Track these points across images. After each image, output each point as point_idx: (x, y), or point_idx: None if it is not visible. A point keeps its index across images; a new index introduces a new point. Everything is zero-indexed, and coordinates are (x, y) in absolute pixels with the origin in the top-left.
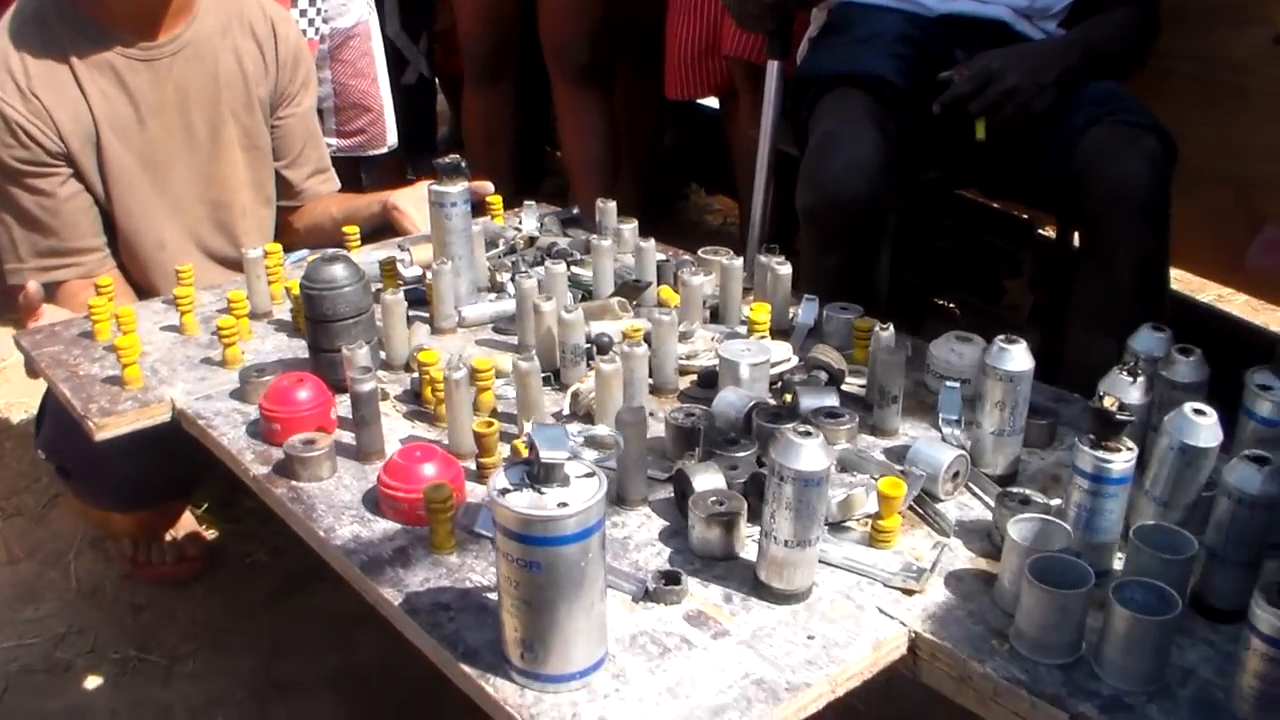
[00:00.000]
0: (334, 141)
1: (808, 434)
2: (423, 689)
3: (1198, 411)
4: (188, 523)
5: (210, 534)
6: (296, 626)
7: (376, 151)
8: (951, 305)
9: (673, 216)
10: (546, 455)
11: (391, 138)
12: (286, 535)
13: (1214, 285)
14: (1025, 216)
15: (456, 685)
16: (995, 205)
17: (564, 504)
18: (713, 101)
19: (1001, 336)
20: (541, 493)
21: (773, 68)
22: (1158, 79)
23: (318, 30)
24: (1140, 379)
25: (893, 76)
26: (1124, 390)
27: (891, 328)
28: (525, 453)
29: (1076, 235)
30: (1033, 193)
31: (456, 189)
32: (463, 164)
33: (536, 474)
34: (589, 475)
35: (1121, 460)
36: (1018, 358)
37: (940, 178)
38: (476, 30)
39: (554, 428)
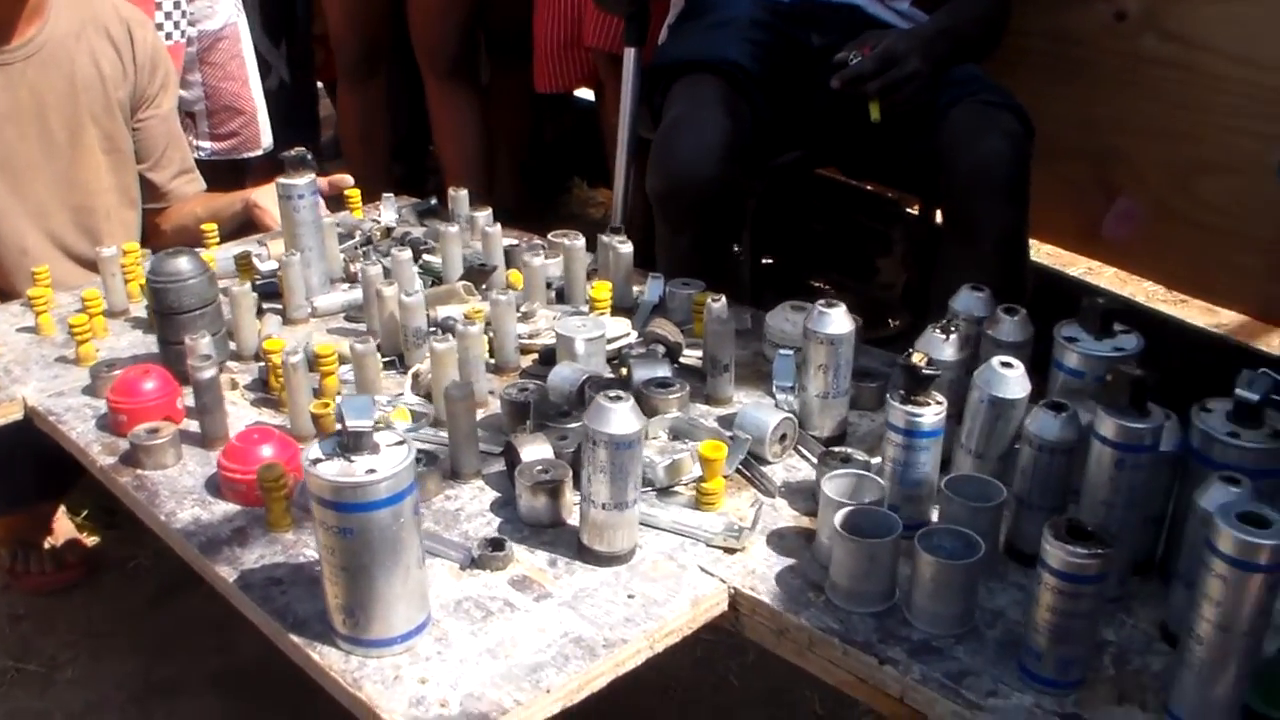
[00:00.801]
0: (208, 145)
1: (618, 399)
2: (301, 684)
3: (1005, 365)
4: (66, 529)
5: (90, 540)
6: (178, 629)
7: (251, 154)
8: (826, 286)
9: (556, 210)
10: (353, 424)
11: (266, 140)
12: None
13: (1084, 259)
14: (894, 196)
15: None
16: (868, 187)
17: (373, 470)
18: (590, 94)
19: (822, 301)
20: (351, 461)
21: (629, 55)
22: (1013, 57)
23: (184, 33)
24: (954, 336)
25: (745, 61)
26: (937, 348)
27: (724, 299)
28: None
29: (939, 213)
30: (893, 173)
31: (303, 181)
32: (309, 156)
33: (346, 443)
34: (399, 443)
35: (931, 414)
36: (837, 321)
37: (800, 158)
38: (345, 32)
39: (360, 398)
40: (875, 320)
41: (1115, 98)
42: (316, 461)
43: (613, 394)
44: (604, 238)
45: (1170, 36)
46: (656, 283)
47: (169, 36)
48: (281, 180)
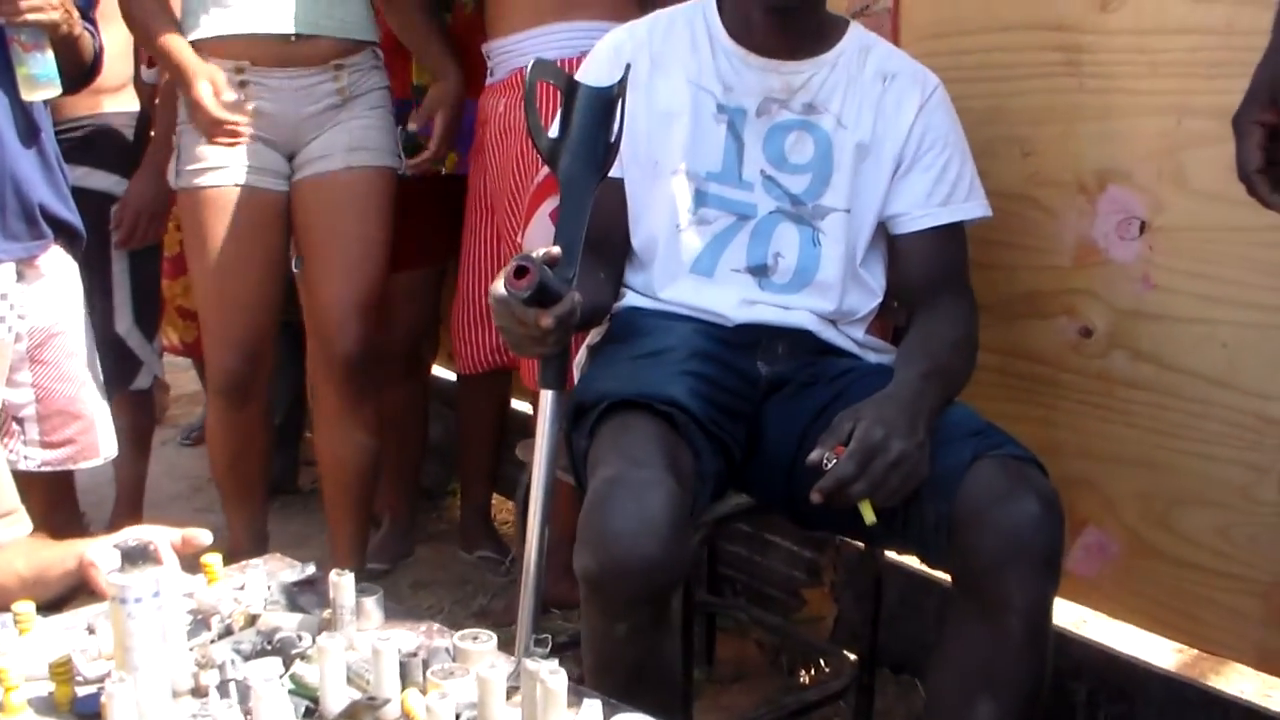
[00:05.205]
0: (39, 454)
1: None
2: None
3: None
4: None
5: None
6: None
7: (90, 464)
8: (746, 619)
9: (441, 516)
10: None
11: (108, 448)
12: None
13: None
14: None
15: None
16: None
17: None
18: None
19: None
20: None
21: (546, 398)
22: None
23: (10, 328)
24: None
25: (686, 399)
26: None
27: None
28: None
29: (951, 579)
30: (879, 534)
31: (141, 582)
32: (152, 548)
33: None
34: None
35: None
36: None
37: (746, 507)
38: (221, 353)
39: None
40: (804, 663)
41: (1081, 421)
42: None
43: None
44: (529, 663)
45: (1142, 356)
46: (593, 710)
47: None
48: (113, 578)
